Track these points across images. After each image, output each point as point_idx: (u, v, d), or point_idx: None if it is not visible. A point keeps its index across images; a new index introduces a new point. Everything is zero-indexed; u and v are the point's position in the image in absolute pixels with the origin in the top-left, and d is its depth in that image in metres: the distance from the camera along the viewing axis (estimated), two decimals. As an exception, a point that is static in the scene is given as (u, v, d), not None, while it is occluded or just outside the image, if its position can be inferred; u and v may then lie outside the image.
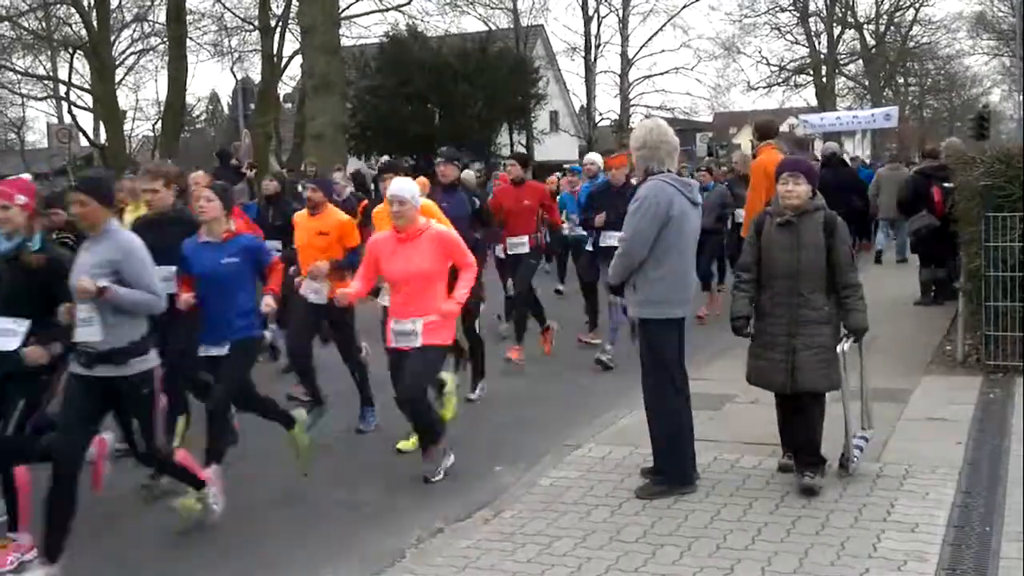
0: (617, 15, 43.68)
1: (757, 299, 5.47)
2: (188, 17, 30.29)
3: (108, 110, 29.61)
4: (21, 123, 43.24)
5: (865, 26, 48.14)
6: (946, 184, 10.79)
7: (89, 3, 30.24)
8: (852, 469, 5.56)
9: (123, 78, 37.36)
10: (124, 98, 40.70)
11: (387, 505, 5.71)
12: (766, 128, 9.09)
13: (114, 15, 32.48)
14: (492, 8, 40.72)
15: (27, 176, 6.70)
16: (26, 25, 32.84)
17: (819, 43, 47.13)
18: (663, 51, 65.72)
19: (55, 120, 36.24)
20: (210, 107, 57.38)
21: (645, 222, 5.36)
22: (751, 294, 5.47)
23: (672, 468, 5.50)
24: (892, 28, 48.53)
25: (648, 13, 49.75)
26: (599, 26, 43.66)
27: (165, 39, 31.37)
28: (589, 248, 9.95)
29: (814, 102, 45.83)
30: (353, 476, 6.25)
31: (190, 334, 5.92)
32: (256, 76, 32.12)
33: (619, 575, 4.45)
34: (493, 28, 39.53)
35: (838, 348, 5.38)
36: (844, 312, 5.37)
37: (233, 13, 35.23)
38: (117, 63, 33.99)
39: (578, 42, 43.72)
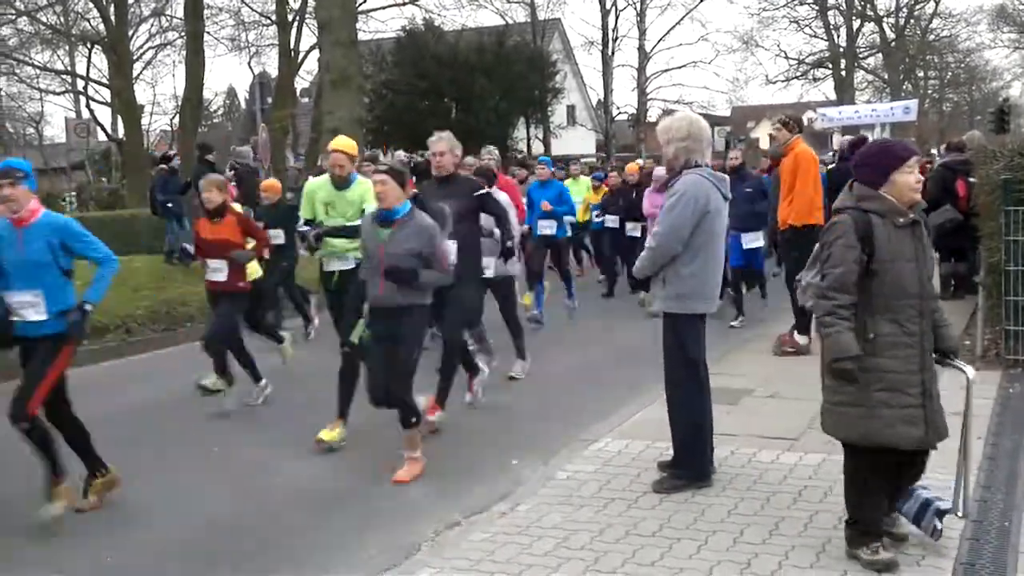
0: (635, 8, 43.60)
1: (864, 329, 4.19)
2: (205, 12, 30.38)
3: (126, 105, 29.70)
4: (39, 118, 43.84)
5: (885, 19, 47.86)
6: (971, 178, 10.69)
7: (107, -2, 30.36)
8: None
9: (141, 73, 37.70)
10: (142, 93, 41.02)
11: (403, 498, 5.72)
12: (800, 120, 9.03)
13: (132, 10, 32.64)
14: (509, 2, 40.79)
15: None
16: (44, 20, 33.07)
17: (838, 36, 46.93)
18: (681, 45, 66.01)
19: (73, 115, 36.59)
20: (227, 101, 57.67)
21: (683, 217, 5.25)
22: (853, 324, 4.17)
23: (690, 462, 5.48)
24: (912, 21, 48.24)
25: (666, 7, 49.91)
26: (616, 20, 43.59)
27: (182, 34, 31.46)
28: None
29: (833, 96, 45.67)
30: (369, 469, 6.26)
31: None
32: (273, 70, 32.23)
33: (636, 569, 4.44)
34: (510, 22, 39.58)
35: (969, 374, 4.40)
36: (938, 332, 4.33)
37: (250, 8, 35.40)
38: (135, 58, 34.17)
39: (595, 36, 43.73)
